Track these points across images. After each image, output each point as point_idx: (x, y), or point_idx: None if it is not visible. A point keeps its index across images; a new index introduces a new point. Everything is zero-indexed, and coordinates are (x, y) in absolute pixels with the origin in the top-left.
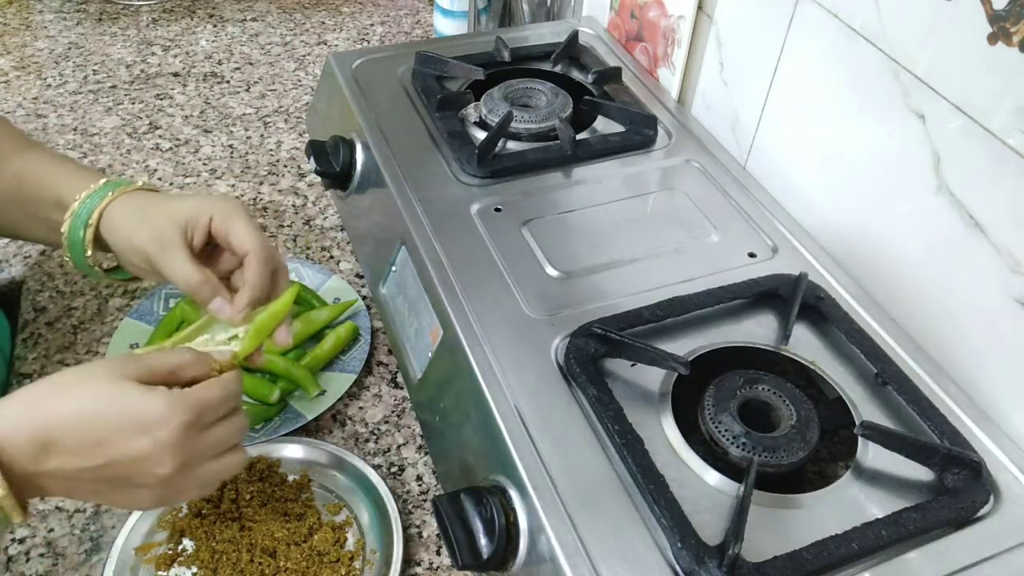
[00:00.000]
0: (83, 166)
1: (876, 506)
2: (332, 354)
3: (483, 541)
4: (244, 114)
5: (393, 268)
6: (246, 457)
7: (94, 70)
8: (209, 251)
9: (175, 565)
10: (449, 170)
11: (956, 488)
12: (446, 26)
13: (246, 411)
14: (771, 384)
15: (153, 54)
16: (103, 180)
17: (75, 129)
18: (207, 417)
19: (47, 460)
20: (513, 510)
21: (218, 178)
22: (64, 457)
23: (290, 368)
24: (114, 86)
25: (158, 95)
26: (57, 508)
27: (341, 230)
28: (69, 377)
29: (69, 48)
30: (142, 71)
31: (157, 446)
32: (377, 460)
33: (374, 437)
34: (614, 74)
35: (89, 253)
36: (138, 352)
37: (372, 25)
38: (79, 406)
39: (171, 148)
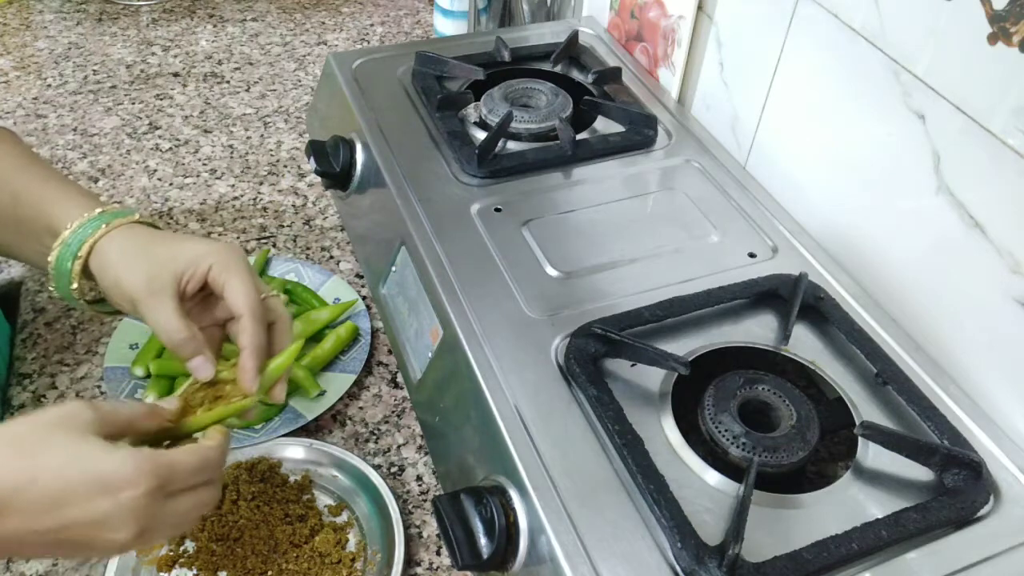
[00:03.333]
0: (82, 190)
1: (876, 506)
2: (332, 354)
3: (483, 541)
4: (244, 114)
5: (393, 268)
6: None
7: (94, 70)
8: (203, 295)
9: (176, 566)
10: (449, 170)
11: (956, 488)
12: (446, 26)
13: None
14: (771, 384)
15: (153, 54)
16: (98, 209)
17: (75, 129)
18: (175, 484)
19: (1, 520)
20: (513, 510)
21: (218, 178)
22: (16, 519)
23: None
24: (114, 86)
25: (158, 95)
26: None
27: (341, 230)
28: (27, 432)
29: (69, 48)
30: (142, 71)
31: (118, 509)
32: (377, 460)
33: (374, 437)
34: (614, 74)
35: (75, 286)
36: (97, 402)
37: (372, 25)
38: (36, 464)
39: (171, 148)
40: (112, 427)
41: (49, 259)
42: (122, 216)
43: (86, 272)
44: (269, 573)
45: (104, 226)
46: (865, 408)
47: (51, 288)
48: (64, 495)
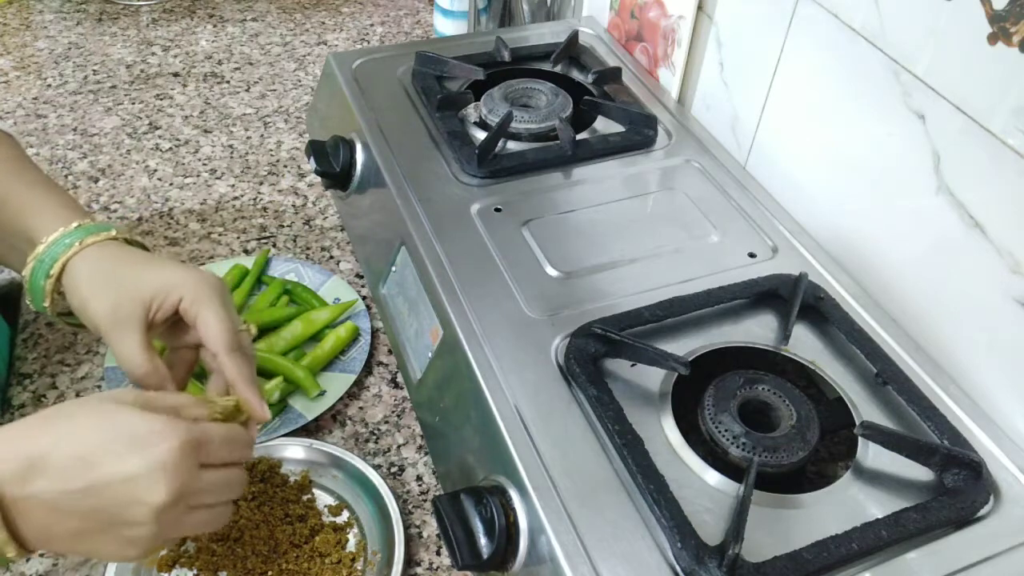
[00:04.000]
0: (65, 200)
1: (876, 506)
2: (332, 354)
3: (483, 541)
4: (244, 114)
5: (393, 268)
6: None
7: (94, 70)
8: (176, 318)
9: (176, 566)
10: (449, 170)
11: (956, 488)
12: (446, 26)
13: None
14: (771, 384)
15: (153, 54)
16: (75, 223)
17: (75, 129)
18: (208, 452)
19: (35, 480)
20: (513, 510)
21: (218, 178)
22: (50, 477)
23: (290, 368)
24: (114, 86)
25: (158, 95)
26: None
27: (341, 230)
28: (68, 404)
29: (69, 48)
30: (142, 71)
31: (149, 466)
32: (377, 460)
33: (374, 437)
34: (614, 74)
35: (47, 303)
36: None
37: (372, 25)
38: (69, 425)
39: (171, 148)
40: (154, 406)
41: (24, 273)
42: (96, 232)
43: (59, 288)
44: (269, 573)
45: (77, 244)
46: (865, 408)
47: (27, 301)
48: (93, 452)
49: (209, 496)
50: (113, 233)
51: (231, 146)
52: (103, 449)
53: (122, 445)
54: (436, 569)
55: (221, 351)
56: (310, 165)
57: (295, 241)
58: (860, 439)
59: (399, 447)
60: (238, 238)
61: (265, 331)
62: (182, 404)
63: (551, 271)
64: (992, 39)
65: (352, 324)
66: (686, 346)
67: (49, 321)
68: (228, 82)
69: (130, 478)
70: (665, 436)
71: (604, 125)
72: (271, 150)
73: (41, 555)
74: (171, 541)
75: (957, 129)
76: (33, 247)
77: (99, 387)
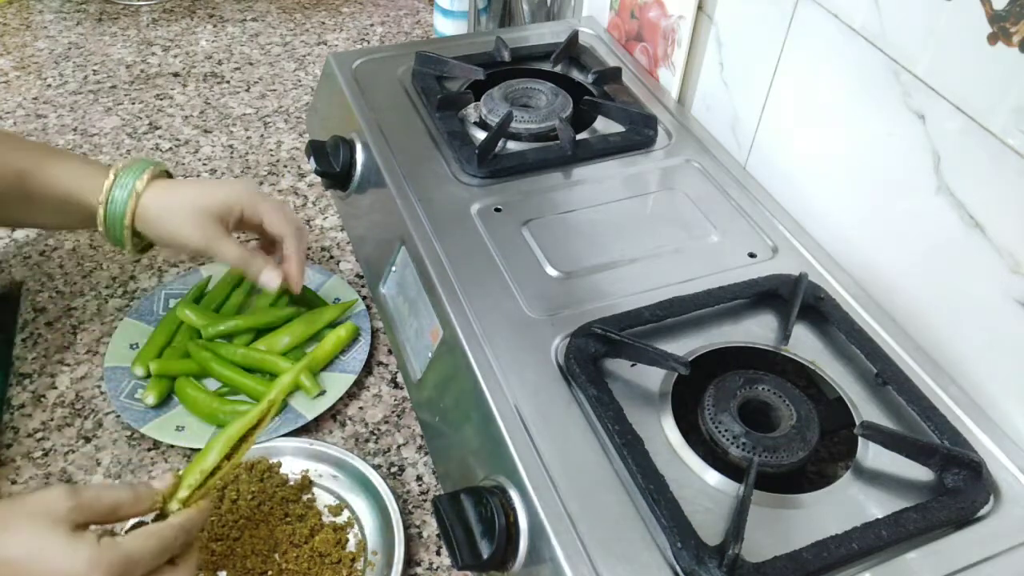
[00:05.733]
0: (86, 158)
1: (876, 506)
2: (332, 354)
3: (483, 541)
4: (244, 114)
5: (393, 268)
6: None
7: (94, 70)
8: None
9: None
10: (449, 170)
11: (956, 488)
12: (446, 26)
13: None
14: (771, 384)
15: (153, 54)
16: (121, 164)
17: (75, 129)
18: (135, 573)
19: None
20: (513, 510)
21: (218, 178)
22: None
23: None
24: (114, 86)
25: (158, 95)
26: None
27: (341, 230)
28: (7, 509)
29: (69, 48)
30: (142, 71)
31: None
32: (377, 460)
33: (374, 437)
34: (614, 74)
35: (127, 226)
36: (78, 486)
37: (372, 25)
38: (6, 532)
39: (171, 148)
40: (91, 514)
41: (99, 218)
42: (148, 168)
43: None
44: (269, 573)
45: (143, 179)
46: (865, 408)
47: (100, 231)
48: (17, 571)
49: None
50: (157, 168)
51: (231, 146)
52: (26, 570)
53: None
54: (436, 569)
55: (288, 234)
56: (310, 165)
57: None
58: (860, 439)
59: (399, 447)
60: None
61: (265, 331)
62: (120, 503)
63: (551, 271)
64: (992, 39)
65: (352, 324)
66: (686, 346)
67: (49, 321)
68: (228, 82)
69: None
70: (665, 436)
71: (604, 125)
72: (271, 150)
73: None
74: None
75: (957, 129)
76: (73, 202)
77: (99, 387)
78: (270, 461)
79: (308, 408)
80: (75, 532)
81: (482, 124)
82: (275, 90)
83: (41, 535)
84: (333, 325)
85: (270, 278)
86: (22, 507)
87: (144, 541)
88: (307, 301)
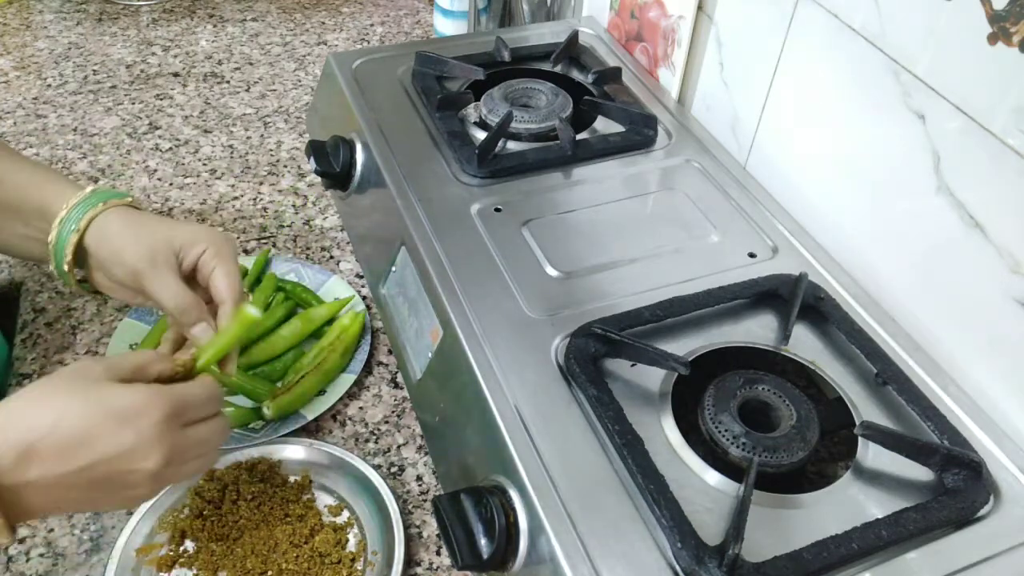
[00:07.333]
0: (63, 177)
1: (876, 506)
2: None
3: (483, 541)
4: (244, 114)
5: (393, 268)
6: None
7: (94, 70)
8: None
9: (176, 566)
10: (449, 170)
11: (956, 488)
12: (446, 26)
13: (246, 412)
14: (771, 384)
15: (153, 54)
16: (90, 188)
17: (75, 129)
18: (189, 413)
19: (28, 469)
20: (513, 510)
21: (218, 178)
22: (46, 463)
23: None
24: (114, 86)
25: (158, 95)
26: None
27: (341, 230)
28: (42, 387)
29: (69, 48)
30: (142, 71)
31: (140, 437)
32: (377, 460)
33: (374, 437)
34: (614, 74)
35: (68, 260)
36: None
37: (372, 25)
38: (56, 409)
39: (171, 148)
40: (122, 372)
41: (49, 239)
42: (117, 197)
43: (78, 251)
44: (269, 573)
45: (101, 204)
46: (865, 408)
47: (51, 268)
48: (88, 433)
49: (197, 449)
50: (130, 200)
51: (231, 146)
52: (97, 428)
53: (113, 422)
54: (436, 569)
55: (229, 301)
56: (310, 165)
57: (295, 241)
58: (860, 439)
59: (399, 447)
60: (238, 238)
61: (266, 332)
62: (147, 362)
63: (551, 271)
64: (992, 39)
65: (356, 313)
66: (686, 346)
67: (49, 321)
68: (228, 82)
69: (125, 451)
70: (665, 436)
71: (604, 125)
72: (271, 150)
73: (41, 555)
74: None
75: (957, 129)
76: (45, 218)
77: None
78: (270, 461)
79: (308, 408)
80: (122, 383)
81: (482, 124)
82: (275, 90)
83: (94, 388)
84: (330, 322)
85: (204, 331)
86: (61, 376)
87: (191, 387)
88: (307, 301)
